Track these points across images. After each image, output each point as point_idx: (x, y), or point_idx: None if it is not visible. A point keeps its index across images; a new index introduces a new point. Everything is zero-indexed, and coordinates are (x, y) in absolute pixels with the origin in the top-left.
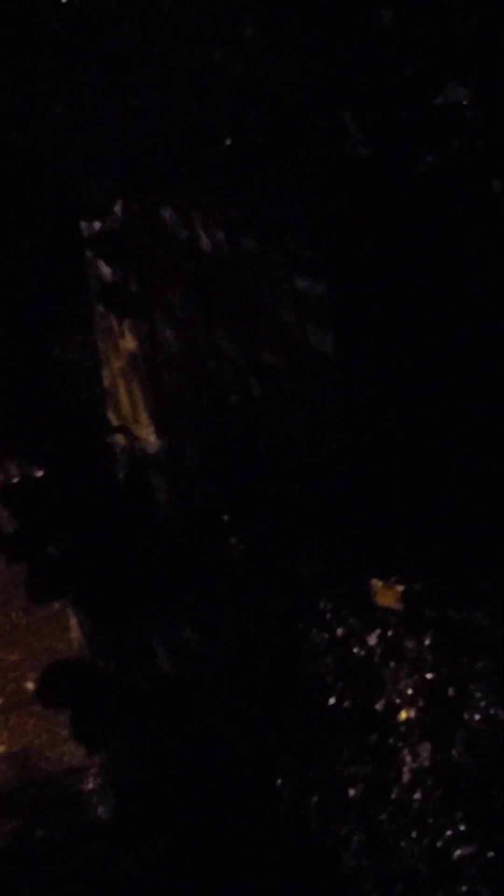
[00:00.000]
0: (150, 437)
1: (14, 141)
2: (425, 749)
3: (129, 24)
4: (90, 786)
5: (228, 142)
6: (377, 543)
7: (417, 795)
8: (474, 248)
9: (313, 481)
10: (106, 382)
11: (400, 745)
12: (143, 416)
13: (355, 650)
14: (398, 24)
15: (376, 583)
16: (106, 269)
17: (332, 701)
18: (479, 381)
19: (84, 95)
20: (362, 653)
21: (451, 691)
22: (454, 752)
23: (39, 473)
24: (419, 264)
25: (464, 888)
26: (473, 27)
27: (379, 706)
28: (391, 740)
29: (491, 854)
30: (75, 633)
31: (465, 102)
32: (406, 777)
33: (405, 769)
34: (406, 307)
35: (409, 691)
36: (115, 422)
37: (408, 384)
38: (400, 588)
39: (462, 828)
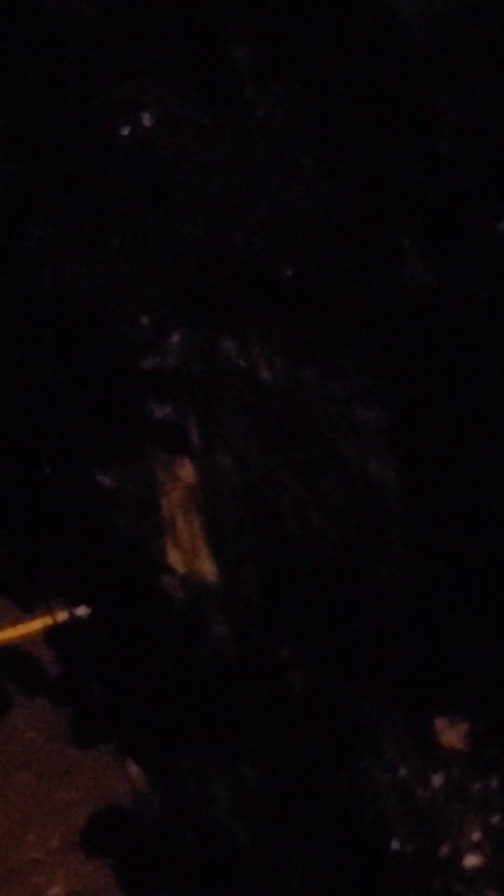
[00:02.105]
0: (208, 569)
1: (72, 275)
2: None
3: (189, 155)
4: None
5: (288, 272)
6: (440, 680)
7: None
8: None
9: (374, 615)
10: (164, 513)
11: (465, 891)
12: (202, 548)
13: (419, 792)
14: (457, 151)
15: (440, 721)
16: (161, 406)
17: (395, 845)
18: None
19: (143, 227)
20: (426, 794)
21: None
22: None
23: (86, 612)
24: (482, 395)
25: None
26: None
27: (444, 851)
28: (457, 887)
29: None
30: (135, 772)
31: None
32: None
33: None
34: (469, 439)
35: (476, 836)
36: (173, 553)
37: (471, 517)
38: (464, 727)
39: None
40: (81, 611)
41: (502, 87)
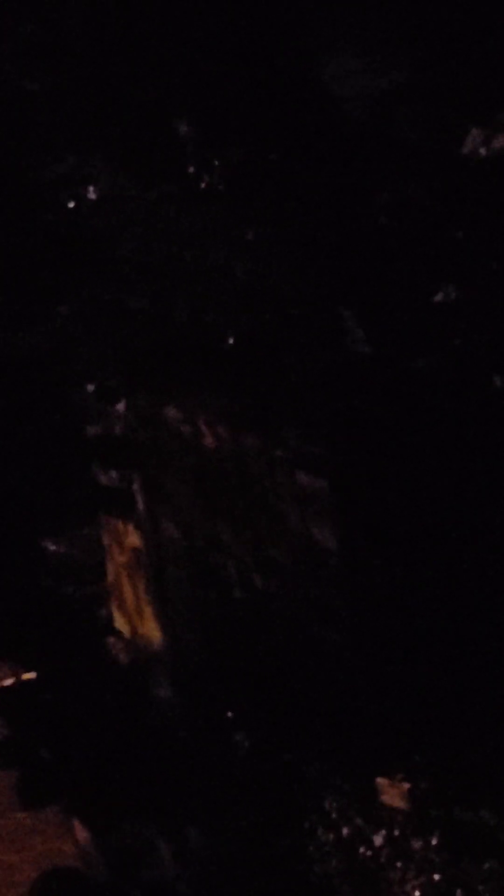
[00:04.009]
0: (154, 632)
1: (18, 344)
2: None
3: (133, 227)
4: None
5: (231, 341)
6: (382, 741)
7: None
8: (477, 443)
9: (318, 678)
10: (110, 577)
11: None
12: (147, 611)
13: (361, 850)
14: (396, 227)
15: (382, 781)
16: (107, 473)
17: None
18: (484, 578)
19: (89, 297)
20: (368, 853)
21: (458, 893)
22: None
23: (32, 676)
24: (421, 461)
25: None
26: (467, 232)
27: None
28: None
29: None
30: (81, 835)
31: (462, 300)
32: None
33: None
34: (409, 504)
35: (417, 893)
36: (119, 617)
37: (412, 580)
38: (406, 786)
39: None
40: (28, 675)
41: (438, 163)
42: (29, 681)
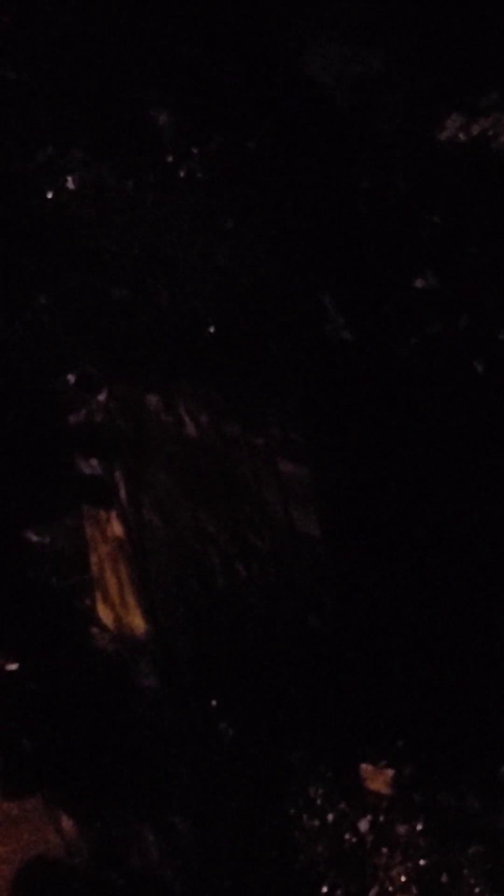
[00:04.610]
0: (137, 622)
1: (2, 332)
2: None
3: (113, 217)
4: None
5: (212, 329)
6: (367, 728)
7: None
8: (459, 428)
9: (301, 664)
10: (94, 568)
11: None
12: (131, 601)
13: (346, 836)
14: (376, 213)
15: (366, 767)
16: (89, 462)
17: (324, 889)
18: (467, 563)
19: (69, 286)
20: (354, 839)
21: (444, 878)
22: None
23: (14, 667)
24: (405, 445)
25: None
26: (446, 218)
27: (372, 894)
28: None
29: None
30: (67, 824)
31: (442, 286)
32: None
33: None
34: (391, 491)
35: (402, 878)
36: (103, 607)
37: (393, 566)
38: (390, 772)
39: None
40: (11, 665)
41: (417, 149)
42: (12, 671)
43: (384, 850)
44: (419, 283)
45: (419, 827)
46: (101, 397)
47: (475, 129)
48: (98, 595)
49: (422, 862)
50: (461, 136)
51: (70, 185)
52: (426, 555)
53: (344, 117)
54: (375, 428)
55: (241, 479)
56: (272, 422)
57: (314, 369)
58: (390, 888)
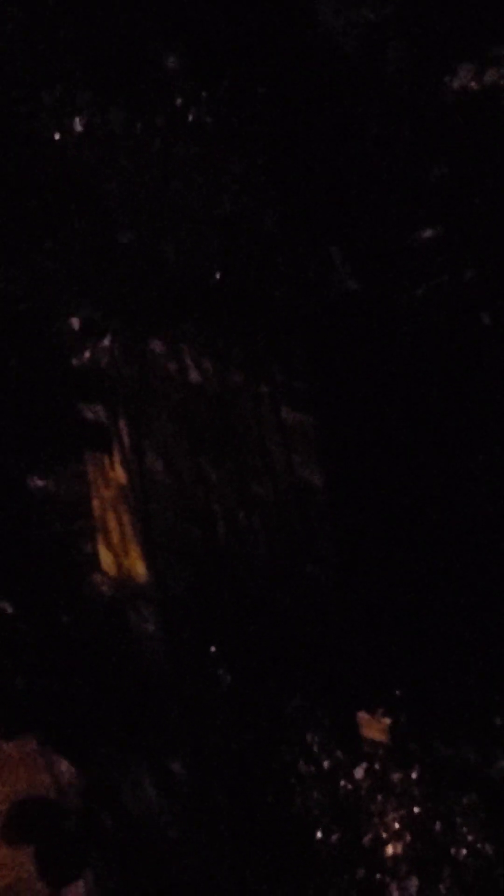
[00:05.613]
0: (139, 568)
1: (2, 278)
2: (413, 884)
3: (120, 160)
4: None
5: (217, 275)
6: (364, 676)
7: None
8: (465, 380)
9: (300, 613)
10: (96, 513)
11: (387, 879)
12: (132, 546)
13: (342, 783)
14: (384, 161)
15: (363, 715)
16: (92, 407)
17: (319, 835)
18: (468, 513)
19: (74, 231)
20: (349, 786)
21: (438, 826)
22: (441, 887)
23: (11, 609)
24: (408, 396)
25: None
26: (455, 168)
27: (366, 840)
28: (378, 875)
29: None
30: (62, 766)
31: (449, 237)
32: None
33: None
34: (394, 439)
35: (397, 825)
36: (104, 552)
37: (396, 516)
38: (387, 721)
39: None
40: (8, 607)
41: (427, 97)
42: (9, 613)
43: (379, 797)
44: (426, 234)
45: (414, 775)
46: (105, 343)
47: (487, 79)
48: (100, 541)
49: (416, 810)
50: (473, 85)
51: (77, 127)
52: (428, 505)
53: (354, 64)
54: (379, 378)
55: (244, 426)
56: (277, 370)
57: (319, 318)
58: (384, 835)
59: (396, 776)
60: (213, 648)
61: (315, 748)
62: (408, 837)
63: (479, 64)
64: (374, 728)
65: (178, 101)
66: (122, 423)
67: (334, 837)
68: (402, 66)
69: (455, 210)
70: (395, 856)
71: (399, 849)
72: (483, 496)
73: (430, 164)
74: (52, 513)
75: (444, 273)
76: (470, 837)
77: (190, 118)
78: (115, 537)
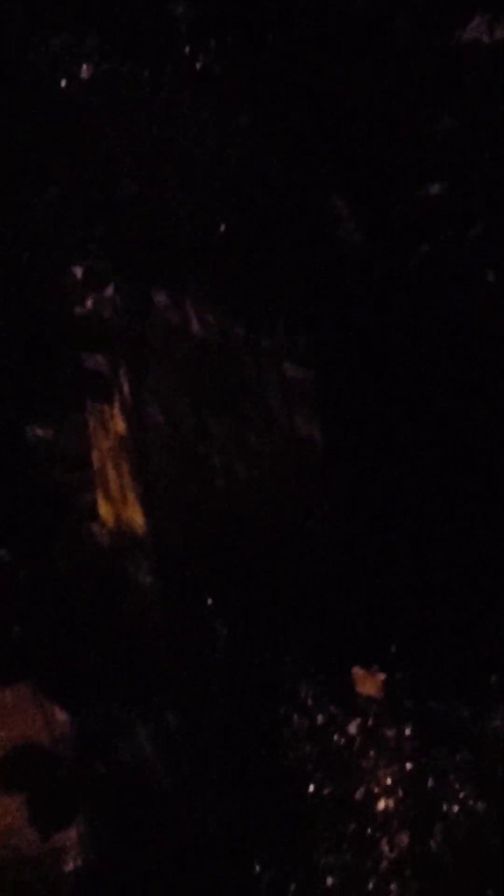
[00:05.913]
0: (137, 519)
1: (6, 225)
2: (404, 839)
3: (126, 108)
4: (70, 866)
5: (222, 228)
6: (359, 631)
7: (394, 886)
8: (468, 337)
9: (297, 567)
10: (95, 464)
11: (378, 834)
12: (131, 497)
13: (335, 738)
14: (392, 115)
15: (357, 671)
16: (93, 357)
17: (311, 789)
18: (467, 471)
19: (79, 180)
20: (342, 741)
21: (430, 782)
22: (432, 843)
23: (8, 556)
24: (410, 353)
25: None
26: (464, 122)
27: (358, 795)
28: (370, 830)
29: None
30: (56, 714)
31: (455, 193)
32: (384, 867)
33: (383, 859)
34: (395, 396)
35: (389, 781)
36: (103, 503)
37: (394, 471)
38: (381, 677)
39: None
40: (5, 555)
41: (438, 50)
42: (6, 561)
43: (372, 752)
44: (432, 190)
45: (407, 732)
46: (108, 292)
47: (498, 32)
48: (99, 491)
49: (408, 766)
50: (485, 37)
51: (84, 73)
52: (425, 461)
53: (364, 14)
54: (382, 334)
55: (245, 380)
56: (279, 324)
57: (323, 273)
58: (376, 790)
59: (390, 732)
60: (209, 601)
61: (309, 702)
62: (400, 793)
63: (492, 17)
64: (369, 683)
65: (186, 48)
66: (122, 374)
67: (326, 791)
68: (413, 17)
69: (462, 166)
70: (386, 811)
71: (391, 804)
72: (483, 451)
73: (438, 117)
74: (51, 462)
75: (449, 229)
76: (462, 794)
77: (197, 66)
78: (114, 488)
